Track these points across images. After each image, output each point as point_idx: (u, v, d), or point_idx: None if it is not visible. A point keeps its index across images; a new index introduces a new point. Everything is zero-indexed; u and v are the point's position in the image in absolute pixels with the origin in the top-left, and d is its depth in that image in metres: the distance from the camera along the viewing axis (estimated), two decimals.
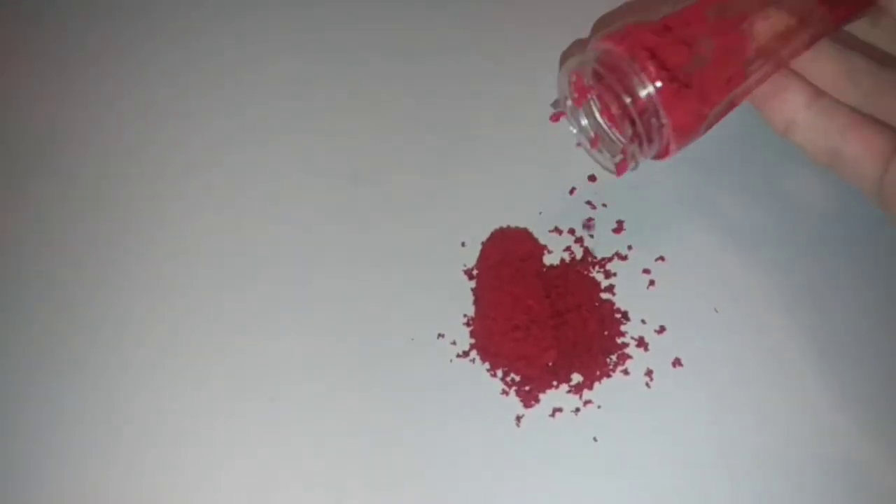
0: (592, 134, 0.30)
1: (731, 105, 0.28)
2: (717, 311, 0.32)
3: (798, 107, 0.28)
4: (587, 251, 0.34)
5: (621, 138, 0.29)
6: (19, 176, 0.37)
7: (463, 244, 0.34)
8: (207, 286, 0.34)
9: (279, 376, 0.32)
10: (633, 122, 0.28)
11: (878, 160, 0.27)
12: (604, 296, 0.33)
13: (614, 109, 0.28)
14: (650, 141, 0.28)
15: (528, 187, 0.36)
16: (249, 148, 0.38)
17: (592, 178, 0.36)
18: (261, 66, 0.40)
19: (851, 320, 0.32)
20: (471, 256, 0.34)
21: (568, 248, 0.34)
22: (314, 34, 0.41)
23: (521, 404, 0.31)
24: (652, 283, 0.33)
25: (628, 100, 0.27)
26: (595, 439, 0.30)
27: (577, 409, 0.31)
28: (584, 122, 0.30)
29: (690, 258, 0.34)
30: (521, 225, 0.35)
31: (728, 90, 0.27)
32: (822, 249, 0.34)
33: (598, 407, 0.31)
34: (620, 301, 0.33)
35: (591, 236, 0.34)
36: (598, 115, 0.30)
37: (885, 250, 0.33)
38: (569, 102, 0.30)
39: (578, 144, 0.31)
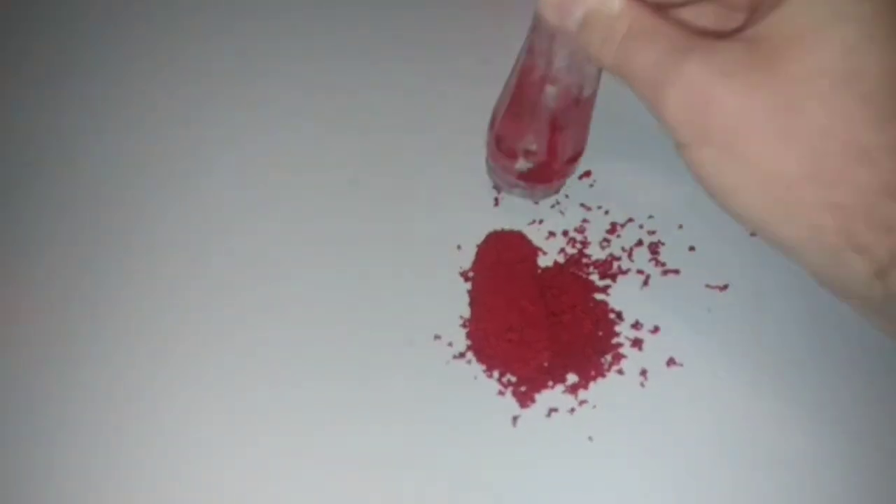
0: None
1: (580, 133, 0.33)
2: (710, 311, 0.33)
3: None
4: (581, 253, 0.34)
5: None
6: (19, 177, 0.38)
7: (459, 247, 0.35)
8: (204, 288, 0.34)
9: (276, 377, 0.32)
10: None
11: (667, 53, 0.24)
12: (598, 296, 0.33)
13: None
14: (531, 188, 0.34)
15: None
16: (249, 150, 0.38)
17: (587, 173, 0.36)
18: (260, 68, 0.41)
19: (847, 319, 0.32)
20: (467, 259, 0.34)
21: (562, 251, 0.34)
22: (314, 36, 0.42)
23: (517, 405, 0.31)
24: (646, 283, 0.34)
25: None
26: (591, 439, 0.30)
27: (573, 410, 0.31)
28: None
29: (684, 259, 0.34)
30: (516, 228, 0.35)
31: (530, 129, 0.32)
32: None
33: (594, 407, 0.31)
34: (615, 302, 0.33)
35: (586, 238, 0.35)
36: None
37: None
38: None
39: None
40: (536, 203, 0.36)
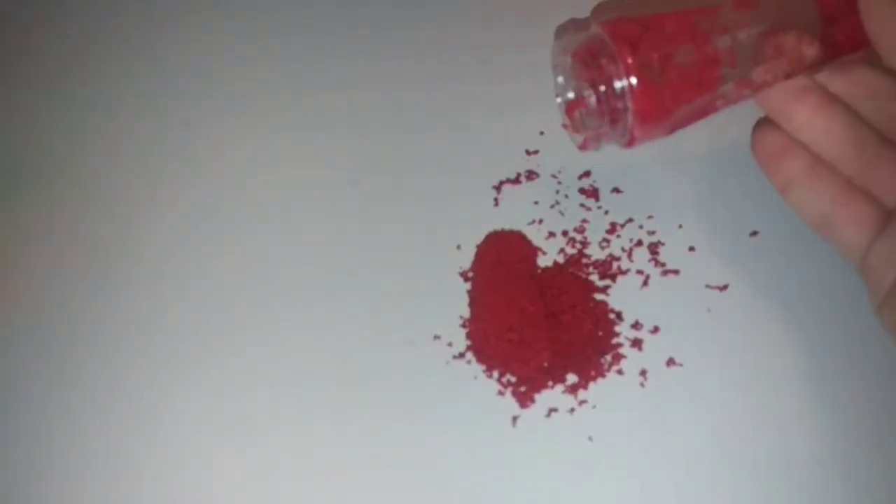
0: (571, 96, 0.31)
1: (703, 112, 0.29)
2: (710, 311, 0.33)
3: (796, 170, 0.29)
4: (581, 253, 0.34)
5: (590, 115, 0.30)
6: (19, 177, 0.38)
7: (459, 247, 0.35)
8: (203, 288, 0.34)
9: (276, 377, 0.32)
10: (599, 101, 0.29)
11: (863, 232, 0.28)
12: (598, 296, 0.33)
13: (587, 88, 0.30)
14: (614, 122, 0.29)
15: (522, 190, 0.36)
16: (248, 151, 0.38)
17: (587, 173, 0.36)
18: (260, 69, 0.41)
19: (847, 319, 0.32)
20: (466, 259, 0.34)
21: (562, 251, 0.34)
22: (314, 36, 0.42)
23: (516, 405, 0.31)
24: (646, 283, 0.34)
25: (601, 82, 0.28)
26: (590, 439, 0.30)
27: (573, 410, 0.31)
28: (562, 81, 0.31)
29: (683, 259, 0.34)
30: (516, 228, 0.35)
31: (698, 94, 0.28)
32: (818, 248, 0.34)
33: (594, 407, 0.31)
34: (614, 302, 0.33)
35: (585, 238, 0.35)
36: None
37: None
38: (559, 78, 0.31)
39: (564, 125, 0.31)
40: (580, 147, 0.31)
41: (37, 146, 0.39)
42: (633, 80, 0.28)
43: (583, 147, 0.31)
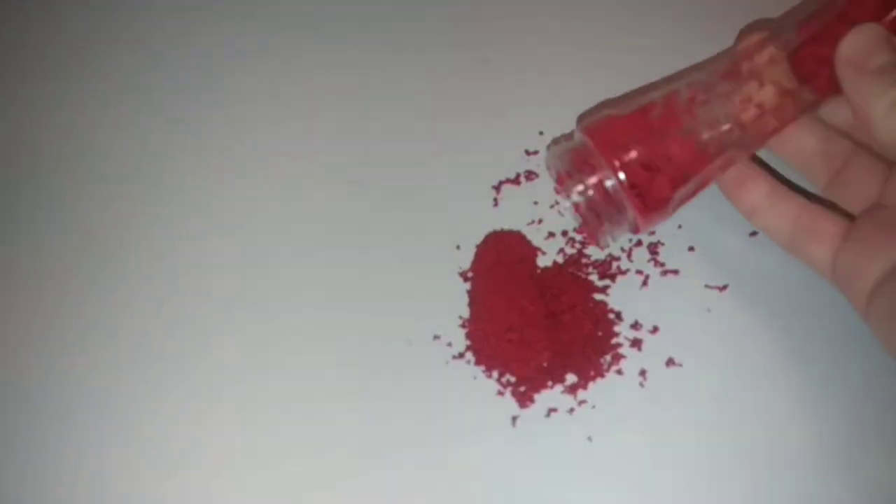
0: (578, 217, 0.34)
1: (700, 187, 0.31)
2: (709, 312, 0.33)
3: (758, 196, 0.32)
4: (581, 253, 0.34)
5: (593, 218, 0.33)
6: (14, 174, 0.38)
7: (458, 247, 0.35)
8: (203, 288, 0.34)
9: (275, 377, 0.32)
10: (596, 211, 0.32)
11: (828, 246, 0.30)
12: (597, 296, 0.33)
13: (579, 198, 0.33)
14: (617, 224, 0.32)
15: (522, 191, 0.36)
16: (248, 151, 0.38)
17: None
18: (259, 70, 0.41)
19: (846, 319, 0.32)
20: (466, 259, 0.34)
21: (561, 251, 0.34)
22: (313, 37, 0.41)
23: (516, 405, 0.31)
24: (645, 283, 0.34)
25: (590, 191, 0.31)
26: (590, 439, 0.30)
27: (572, 410, 0.31)
28: (568, 204, 0.34)
29: (683, 259, 0.34)
30: (515, 228, 0.35)
31: (693, 171, 0.30)
32: None
33: (593, 407, 0.31)
34: (614, 302, 0.33)
35: (585, 238, 0.35)
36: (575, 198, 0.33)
37: None
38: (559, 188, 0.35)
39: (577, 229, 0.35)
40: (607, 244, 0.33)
41: (32, 142, 0.39)
42: (622, 177, 0.30)
43: (600, 246, 0.33)
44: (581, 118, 0.34)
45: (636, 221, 0.31)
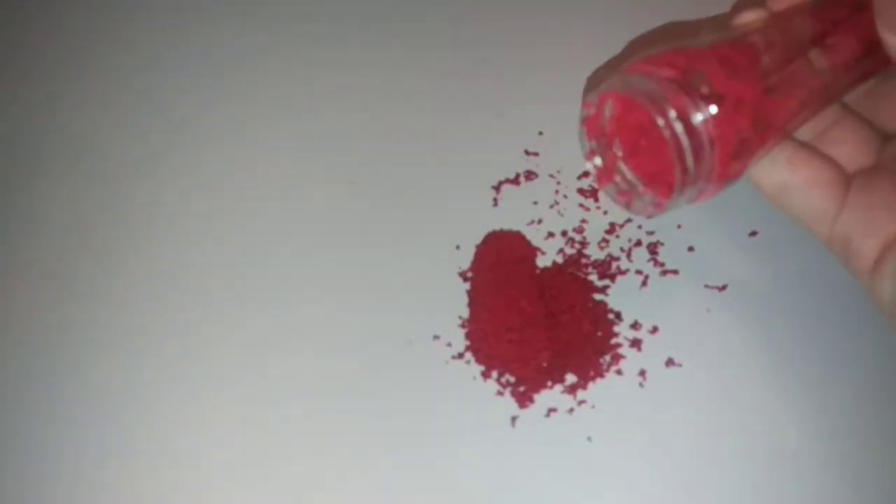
0: (622, 189, 0.28)
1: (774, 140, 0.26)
2: (709, 312, 0.33)
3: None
4: (580, 253, 0.34)
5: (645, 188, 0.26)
6: (15, 174, 0.38)
7: (458, 247, 0.35)
8: (202, 288, 0.34)
9: (275, 377, 0.32)
10: (681, 160, 0.24)
11: (826, 194, 0.26)
12: (597, 297, 0.33)
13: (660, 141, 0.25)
14: (690, 184, 0.25)
15: (521, 191, 0.36)
16: (248, 151, 0.38)
17: (586, 174, 0.36)
18: (259, 70, 0.41)
19: (846, 319, 0.32)
20: (465, 259, 0.34)
21: (561, 251, 0.34)
22: (313, 37, 0.42)
23: (515, 405, 0.31)
24: (645, 283, 0.34)
25: (678, 129, 0.24)
26: (589, 439, 0.30)
27: (572, 410, 0.31)
28: (617, 178, 0.27)
29: (683, 259, 0.34)
30: (515, 228, 0.35)
31: (787, 123, 0.26)
32: (817, 248, 0.34)
33: (593, 407, 0.31)
34: (614, 302, 0.33)
35: (584, 239, 0.35)
36: (623, 165, 0.27)
37: None
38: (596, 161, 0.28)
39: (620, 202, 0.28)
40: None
41: (32, 142, 0.39)
42: (713, 109, 0.24)
43: (660, 210, 0.27)
44: (589, 86, 0.29)
45: (717, 174, 0.25)
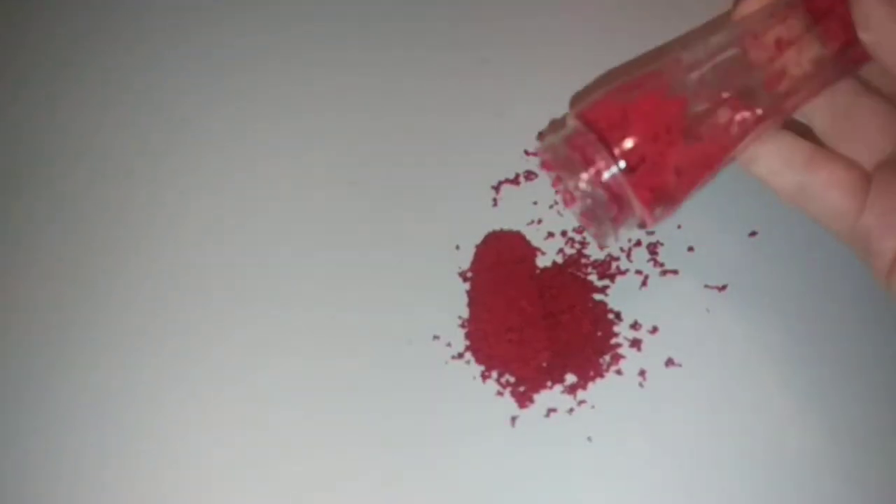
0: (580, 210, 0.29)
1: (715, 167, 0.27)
2: (709, 312, 0.33)
3: (760, 140, 0.27)
4: (580, 253, 0.34)
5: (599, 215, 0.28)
6: (14, 175, 0.38)
7: (457, 247, 0.35)
8: (202, 289, 0.34)
9: (275, 377, 0.32)
10: (596, 209, 0.27)
11: (847, 195, 0.26)
12: (597, 297, 0.33)
13: (577, 193, 0.27)
14: (622, 220, 0.27)
15: (521, 191, 0.36)
16: (248, 151, 0.38)
17: None
18: (259, 70, 0.41)
19: (846, 319, 0.32)
20: (465, 259, 0.34)
21: (561, 251, 0.34)
22: (313, 38, 0.42)
23: (515, 405, 0.31)
24: (645, 283, 0.34)
25: (585, 185, 0.26)
26: (589, 439, 0.30)
27: (572, 410, 0.31)
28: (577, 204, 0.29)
29: (682, 259, 0.34)
30: (515, 228, 0.35)
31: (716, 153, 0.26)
32: (817, 248, 0.34)
33: (592, 407, 0.31)
34: (613, 302, 0.33)
35: (584, 239, 0.35)
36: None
37: None
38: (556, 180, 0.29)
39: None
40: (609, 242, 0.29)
41: (32, 142, 0.39)
42: (622, 165, 0.25)
43: (602, 245, 0.29)
44: (574, 101, 0.30)
45: (643, 217, 0.27)
